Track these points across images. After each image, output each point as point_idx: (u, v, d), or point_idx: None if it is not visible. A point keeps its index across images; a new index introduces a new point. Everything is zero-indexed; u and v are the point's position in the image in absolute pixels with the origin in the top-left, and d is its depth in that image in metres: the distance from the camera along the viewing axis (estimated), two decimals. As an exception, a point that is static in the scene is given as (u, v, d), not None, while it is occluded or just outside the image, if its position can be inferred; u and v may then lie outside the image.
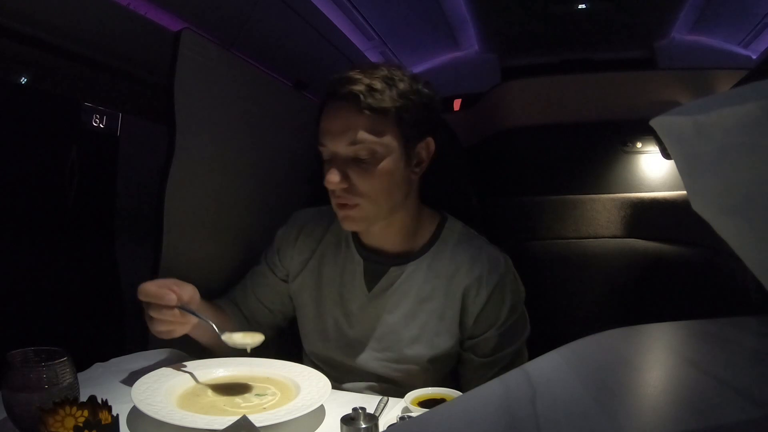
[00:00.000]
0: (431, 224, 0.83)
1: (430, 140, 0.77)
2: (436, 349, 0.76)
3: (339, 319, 0.80)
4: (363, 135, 0.71)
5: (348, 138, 0.71)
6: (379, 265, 0.80)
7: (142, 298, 0.66)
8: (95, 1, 0.82)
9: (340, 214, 0.75)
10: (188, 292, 0.68)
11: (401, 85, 0.73)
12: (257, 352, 0.68)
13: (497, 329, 0.76)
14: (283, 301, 0.86)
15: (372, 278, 0.80)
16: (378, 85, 0.72)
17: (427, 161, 0.77)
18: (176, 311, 0.65)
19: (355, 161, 0.72)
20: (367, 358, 0.78)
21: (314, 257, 0.84)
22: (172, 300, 0.64)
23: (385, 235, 0.80)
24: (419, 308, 0.78)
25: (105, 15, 0.84)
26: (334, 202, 0.75)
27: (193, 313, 0.66)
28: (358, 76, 0.72)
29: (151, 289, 0.65)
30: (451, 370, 0.81)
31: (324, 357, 0.81)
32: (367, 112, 0.70)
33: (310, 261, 0.84)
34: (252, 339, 0.66)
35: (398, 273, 0.79)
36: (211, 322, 0.67)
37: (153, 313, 0.65)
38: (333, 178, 0.71)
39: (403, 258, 0.80)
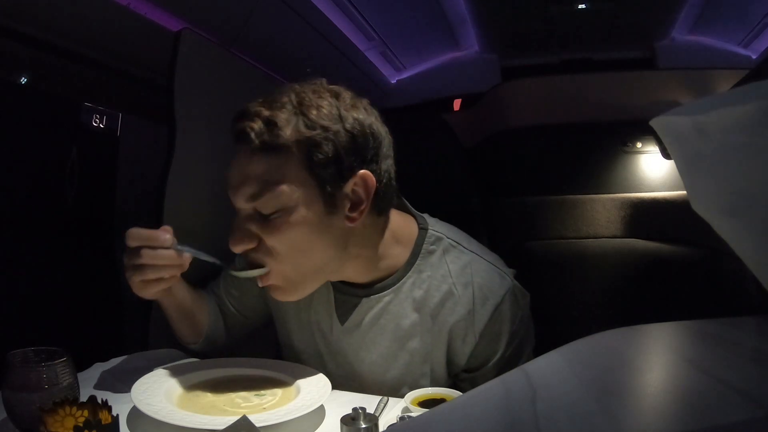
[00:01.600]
0: (406, 242, 0.69)
1: (366, 174, 0.60)
2: (428, 380, 0.67)
3: (320, 349, 0.72)
4: (261, 185, 0.58)
5: (245, 191, 0.58)
6: (349, 296, 0.69)
7: (131, 242, 0.58)
8: (95, 1, 0.82)
9: (261, 284, 0.63)
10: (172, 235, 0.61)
11: (313, 113, 0.58)
12: (257, 353, 0.68)
13: (496, 363, 0.67)
14: (254, 306, 0.79)
15: (345, 310, 0.69)
16: (281, 117, 0.58)
17: (368, 201, 0.61)
18: (173, 252, 0.59)
19: (261, 216, 0.59)
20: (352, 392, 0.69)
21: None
22: (167, 240, 0.58)
23: (343, 275, 0.67)
24: (400, 347, 0.68)
25: (105, 15, 0.84)
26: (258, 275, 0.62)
27: (194, 252, 0.59)
28: (257, 108, 0.59)
29: (143, 231, 0.59)
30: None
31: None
32: (262, 154, 0.57)
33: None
34: (257, 271, 0.61)
35: (372, 305, 0.68)
36: (213, 259, 0.61)
37: (146, 258, 0.58)
38: (236, 241, 0.59)
39: (375, 287, 0.68)
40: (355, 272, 0.67)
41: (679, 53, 1.72)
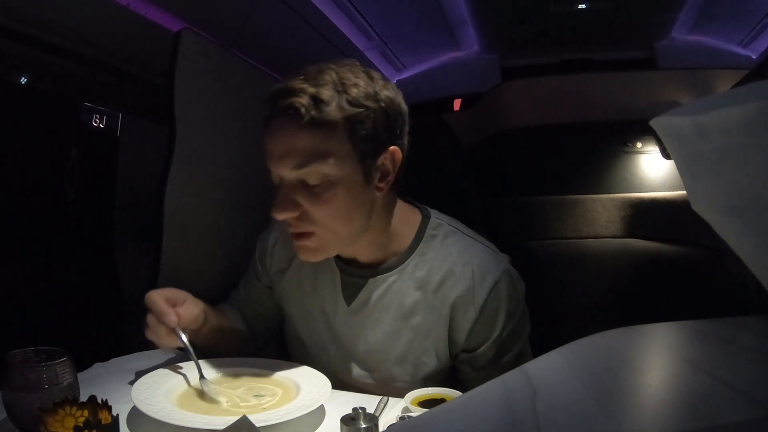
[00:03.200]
0: (411, 227, 0.73)
1: (395, 149, 0.66)
2: (424, 367, 0.70)
3: (323, 334, 0.75)
4: (309, 157, 0.61)
5: (291, 161, 0.61)
6: (356, 277, 0.72)
7: (146, 304, 0.65)
8: (95, 1, 0.82)
9: (296, 244, 0.67)
10: (192, 313, 0.67)
11: (353, 91, 0.62)
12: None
13: (494, 341, 0.69)
14: (274, 307, 0.83)
15: (351, 292, 0.73)
16: (326, 94, 0.61)
17: (394, 173, 0.67)
18: (168, 331, 0.64)
19: (305, 186, 0.63)
20: (354, 376, 0.73)
21: (292, 268, 0.78)
22: (171, 322, 0.63)
23: (355, 250, 0.71)
24: (403, 324, 0.71)
25: (105, 15, 0.84)
26: (289, 230, 0.66)
27: (184, 344, 0.64)
28: (302, 85, 0.61)
29: (158, 302, 0.65)
30: (451, 373, 0.76)
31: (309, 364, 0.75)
32: (311, 129, 0.60)
33: (288, 271, 0.78)
34: (222, 397, 0.61)
35: (377, 285, 0.71)
36: (195, 361, 0.65)
37: (149, 322, 0.65)
38: (280, 209, 0.62)
39: (381, 268, 0.72)
40: (367, 246, 0.71)
41: (679, 53, 1.72)
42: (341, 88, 0.62)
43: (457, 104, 1.75)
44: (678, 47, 1.72)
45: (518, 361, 0.72)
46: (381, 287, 0.72)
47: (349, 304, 0.72)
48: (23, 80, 0.84)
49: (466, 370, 0.71)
